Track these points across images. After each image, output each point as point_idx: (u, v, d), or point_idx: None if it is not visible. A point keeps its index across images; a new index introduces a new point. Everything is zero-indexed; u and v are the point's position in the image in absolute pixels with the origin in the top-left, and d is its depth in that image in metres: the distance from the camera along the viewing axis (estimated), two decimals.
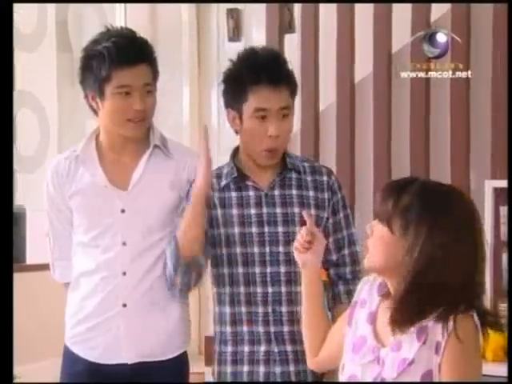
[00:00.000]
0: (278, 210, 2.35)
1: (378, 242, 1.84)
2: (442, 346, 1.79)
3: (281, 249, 2.33)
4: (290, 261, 2.29)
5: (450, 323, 1.78)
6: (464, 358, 1.79)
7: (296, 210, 2.34)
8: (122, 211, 2.45)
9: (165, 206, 2.47)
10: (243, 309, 2.35)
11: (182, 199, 2.48)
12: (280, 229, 2.33)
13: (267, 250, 2.33)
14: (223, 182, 2.38)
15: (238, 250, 2.35)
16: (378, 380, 1.85)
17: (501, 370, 2.88)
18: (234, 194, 2.38)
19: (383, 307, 1.91)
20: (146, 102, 2.42)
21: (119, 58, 2.37)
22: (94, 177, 2.47)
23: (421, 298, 1.78)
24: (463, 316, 1.79)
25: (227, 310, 2.37)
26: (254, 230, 2.34)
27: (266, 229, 2.34)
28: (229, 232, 2.36)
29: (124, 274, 2.44)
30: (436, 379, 1.80)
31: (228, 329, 2.37)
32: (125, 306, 2.44)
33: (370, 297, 1.96)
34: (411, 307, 1.79)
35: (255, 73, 2.31)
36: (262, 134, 2.31)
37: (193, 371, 2.61)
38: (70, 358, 2.51)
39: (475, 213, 1.85)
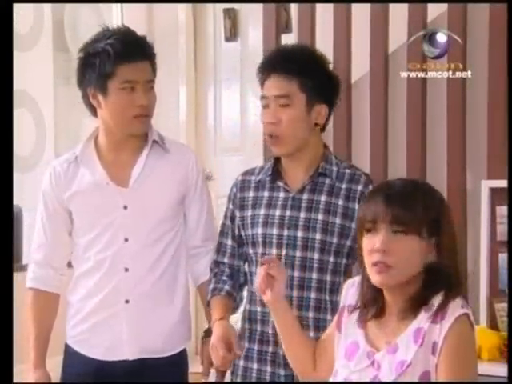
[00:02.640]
0: (302, 215, 2.35)
1: (409, 253, 1.83)
2: (439, 346, 1.79)
3: (297, 253, 2.34)
4: (304, 266, 2.32)
5: (447, 324, 1.79)
6: (460, 358, 1.80)
7: (320, 216, 2.34)
8: (125, 208, 2.46)
9: (166, 200, 2.48)
10: (258, 308, 2.38)
11: (184, 194, 2.50)
12: (299, 233, 2.34)
13: (283, 252, 2.33)
14: (259, 177, 2.42)
15: (260, 250, 2.37)
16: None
17: (497, 370, 2.88)
18: (266, 193, 2.41)
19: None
20: (149, 98, 2.44)
21: (124, 54, 2.40)
22: (95, 176, 2.48)
23: (441, 285, 1.84)
24: (459, 316, 1.80)
25: (247, 307, 2.42)
26: (275, 231, 2.35)
27: (286, 232, 2.35)
28: (254, 232, 2.38)
29: (126, 270, 2.45)
30: (433, 380, 1.80)
31: (246, 325, 2.42)
32: (127, 302, 2.45)
33: (358, 301, 1.95)
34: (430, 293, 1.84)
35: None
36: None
37: (191, 371, 2.62)
38: (72, 357, 2.52)
39: None
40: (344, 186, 2.37)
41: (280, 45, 2.50)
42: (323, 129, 2.43)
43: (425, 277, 1.84)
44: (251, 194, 2.42)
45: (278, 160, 2.43)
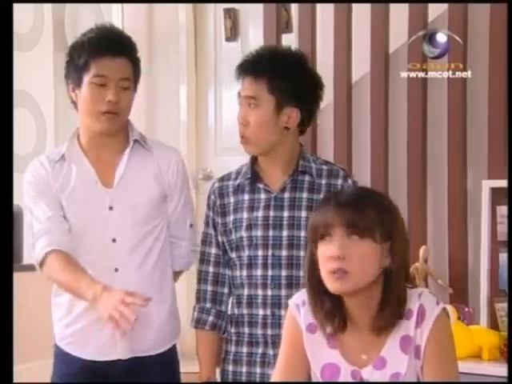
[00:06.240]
0: (285, 214, 2.35)
1: (366, 257, 1.80)
2: (422, 348, 1.79)
3: (283, 252, 2.34)
4: (291, 264, 2.33)
5: (427, 326, 1.79)
6: (444, 357, 1.80)
7: (303, 213, 2.34)
8: (110, 208, 2.45)
9: (150, 200, 2.48)
10: (245, 311, 2.38)
11: (165, 193, 2.51)
12: (284, 233, 2.34)
13: (270, 253, 2.34)
14: (237, 181, 2.42)
15: (246, 253, 2.37)
16: None
17: (497, 370, 2.89)
18: (246, 196, 2.40)
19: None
20: (119, 96, 2.42)
21: (98, 47, 2.40)
22: (84, 173, 2.47)
23: (401, 293, 1.82)
24: (438, 316, 1.80)
25: (235, 311, 2.41)
26: (260, 233, 2.35)
27: (271, 232, 2.35)
28: (238, 236, 2.38)
29: (116, 270, 2.44)
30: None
31: (232, 329, 2.41)
32: None
33: (316, 320, 1.88)
34: (397, 304, 1.81)
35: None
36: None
37: (190, 371, 2.61)
38: (63, 358, 2.51)
39: None
40: (324, 181, 2.38)
41: (259, 47, 2.48)
42: (302, 132, 2.43)
43: (385, 285, 1.82)
44: (231, 199, 2.41)
45: (254, 162, 2.43)
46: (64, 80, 2.51)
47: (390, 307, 1.80)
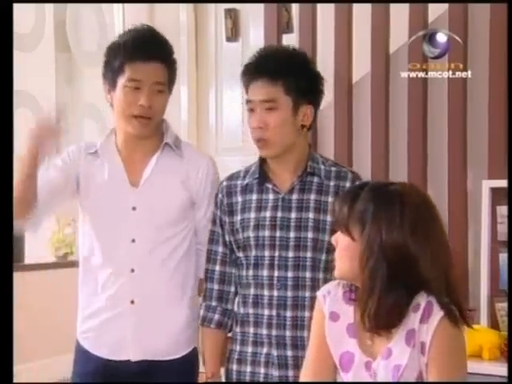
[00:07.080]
0: (293, 215, 2.36)
1: (342, 252, 1.86)
2: (427, 345, 1.79)
3: (290, 254, 2.34)
4: (298, 266, 2.33)
5: (433, 323, 1.79)
6: (450, 356, 1.80)
7: (311, 215, 2.35)
8: (133, 208, 2.46)
9: (175, 204, 2.48)
10: (250, 310, 2.38)
11: (193, 199, 2.50)
12: (292, 234, 2.34)
13: (276, 254, 2.34)
14: (246, 181, 2.42)
15: (253, 253, 2.37)
16: None
17: (497, 370, 2.89)
18: (254, 196, 2.40)
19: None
20: (153, 100, 2.43)
21: (134, 52, 2.41)
22: (114, 170, 2.49)
23: (396, 295, 1.80)
24: (445, 314, 1.80)
25: (241, 310, 2.41)
26: (267, 233, 2.36)
27: (278, 233, 2.35)
28: (245, 236, 2.38)
29: (132, 270, 2.45)
30: (425, 379, 1.81)
31: (238, 328, 2.42)
32: (133, 302, 2.45)
33: (340, 309, 1.93)
34: (386, 306, 1.81)
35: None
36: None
37: None
38: (82, 355, 2.53)
39: (430, 207, 1.87)
40: (332, 183, 2.38)
41: (261, 48, 2.48)
42: (309, 128, 2.44)
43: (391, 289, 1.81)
44: (239, 198, 2.42)
45: (263, 161, 2.42)
46: (102, 79, 2.52)
47: (369, 311, 1.82)
